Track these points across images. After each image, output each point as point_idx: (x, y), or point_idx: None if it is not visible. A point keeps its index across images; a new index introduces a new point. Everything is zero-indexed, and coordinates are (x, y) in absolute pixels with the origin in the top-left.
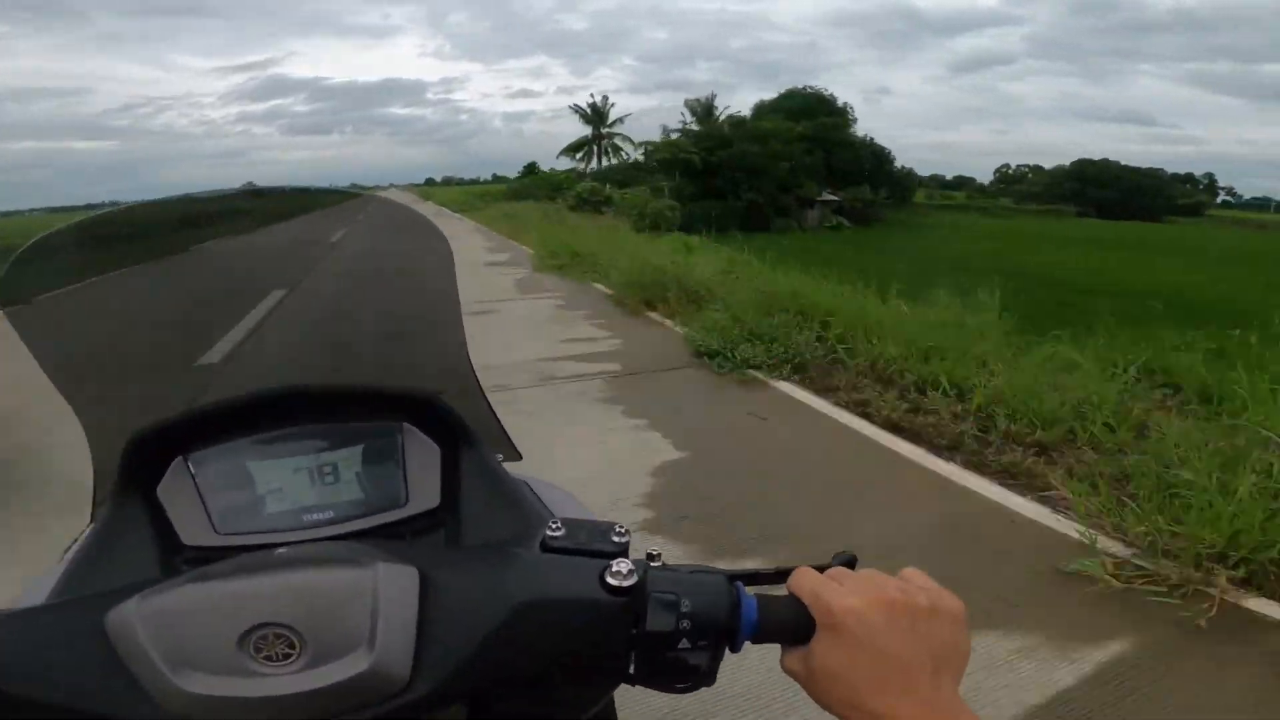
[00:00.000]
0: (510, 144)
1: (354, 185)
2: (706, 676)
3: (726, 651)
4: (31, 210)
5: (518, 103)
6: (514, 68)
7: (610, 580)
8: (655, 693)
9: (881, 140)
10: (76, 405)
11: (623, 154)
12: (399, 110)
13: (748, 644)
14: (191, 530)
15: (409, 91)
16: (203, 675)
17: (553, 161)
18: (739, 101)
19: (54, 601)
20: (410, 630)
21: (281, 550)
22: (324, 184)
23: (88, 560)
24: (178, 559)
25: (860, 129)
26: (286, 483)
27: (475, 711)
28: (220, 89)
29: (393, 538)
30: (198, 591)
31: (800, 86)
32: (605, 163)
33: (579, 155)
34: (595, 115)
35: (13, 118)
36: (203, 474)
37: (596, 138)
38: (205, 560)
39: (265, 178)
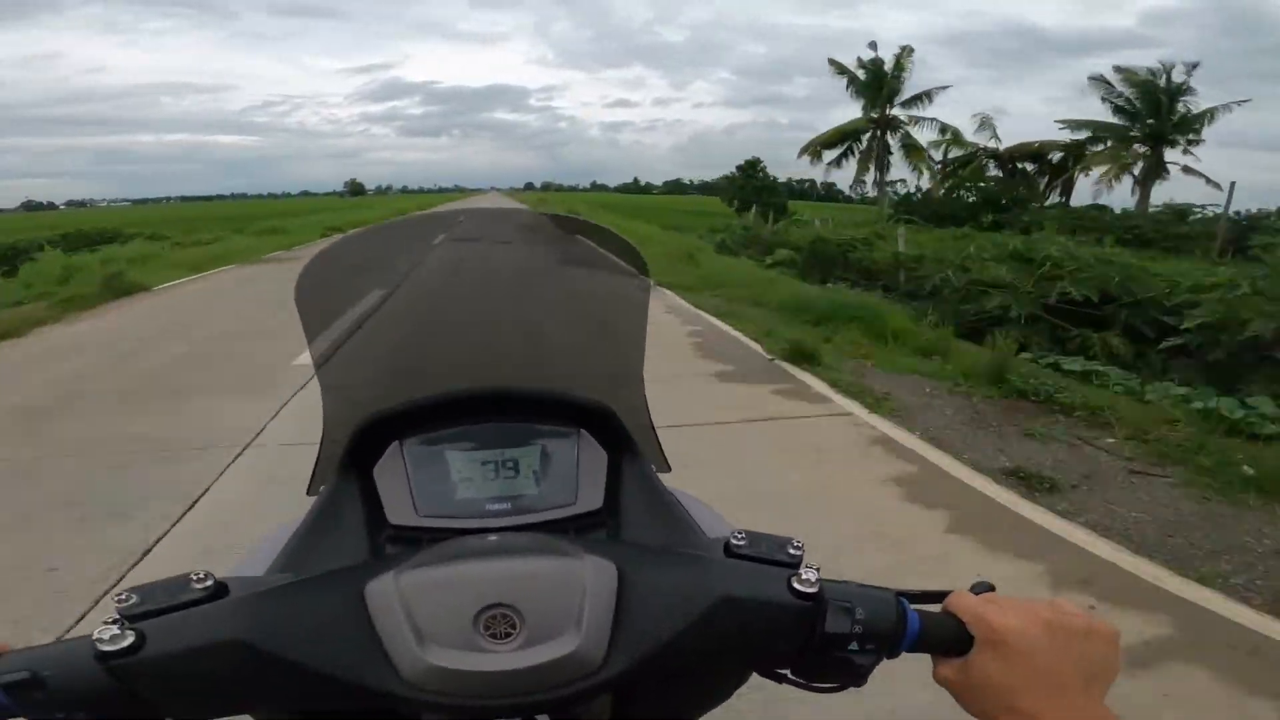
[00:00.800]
0: (605, 153)
1: (457, 186)
2: (860, 678)
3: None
4: (169, 199)
5: (615, 112)
6: (612, 77)
7: (797, 586)
8: None
9: None
10: (323, 386)
11: (925, 159)
12: (503, 115)
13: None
14: (397, 510)
15: (513, 97)
16: (442, 648)
17: (646, 173)
18: (838, 118)
19: (311, 575)
20: (609, 617)
21: (494, 538)
22: (432, 185)
23: (312, 530)
24: (382, 536)
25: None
26: (475, 473)
27: (619, 702)
28: (345, 89)
29: (559, 533)
30: (445, 570)
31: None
32: (885, 176)
33: (839, 153)
34: (874, 81)
35: (167, 111)
36: (412, 458)
37: (881, 125)
38: (407, 539)
39: (380, 177)
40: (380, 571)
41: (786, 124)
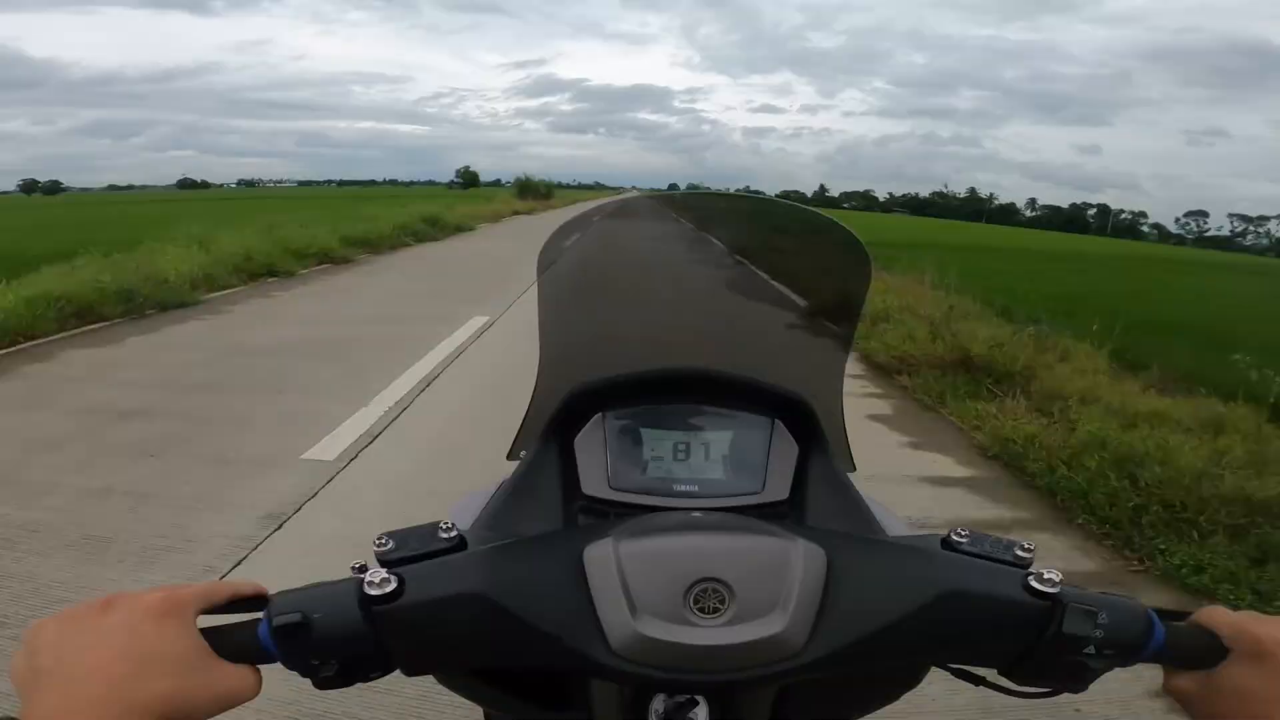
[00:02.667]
0: (747, 160)
1: (598, 184)
2: (1082, 683)
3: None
4: (372, 182)
5: (759, 118)
6: (758, 83)
7: (1036, 585)
8: None
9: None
10: (542, 357)
11: None
12: (647, 115)
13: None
14: (592, 480)
15: (657, 98)
16: (653, 619)
17: (784, 183)
18: (1009, 134)
19: (538, 534)
20: (815, 602)
21: (701, 514)
22: (578, 182)
23: (514, 493)
24: (575, 505)
25: (1176, 171)
26: (666, 452)
27: (783, 694)
28: (503, 84)
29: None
30: (663, 541)
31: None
32: None
33: None
34: None
35: (358, 100)
36: (612, 431)
37: None
38: (598, 510)
39: (530, 170)
40: (598, 536)
41: (947, 137)
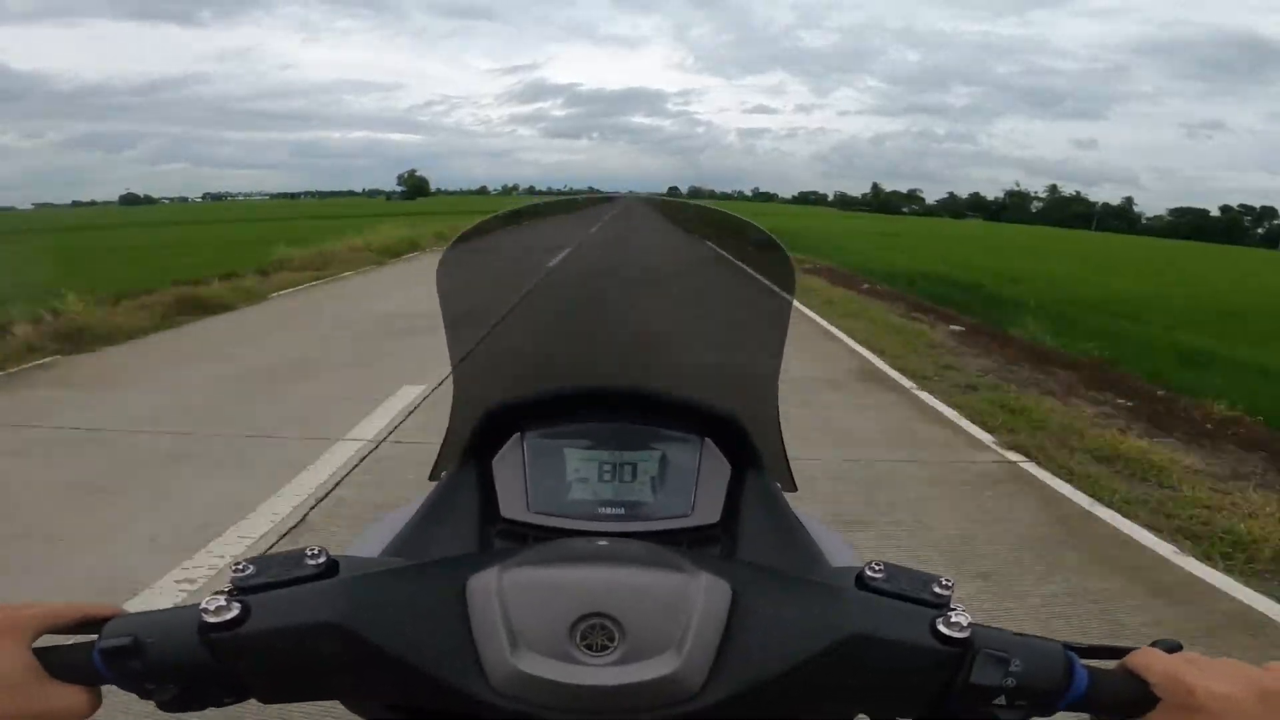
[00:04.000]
0: (741, 160)
1: (591, 189)
2: None
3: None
4: (351, 192)
5: (753, 119)
6: (752, 84)
7: (944, 629)
8: None
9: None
10: (455, 376)
11: None
12: (641, 119)
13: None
14: (510, 503)
15: (651, 101)
16: (536, 656)
17: (781, 184)
18: (1002, 129)
19: (418, 562)
20: (715, 642)
21: (604, 543)
22: (570, 187)
23: (426, 517)
24: (493, 529)
25: (1172, 164)
26: (591, 473)
27: None
28: (495, 90)
29: (671, 545)
30: (548, 572)
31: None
32: None
33: None
34: None
35: (350, 109)
36: (532, 452)
37: None
38: (517, 534)
39: (527, 178)
40: (484, 565)
41: (943, 134)
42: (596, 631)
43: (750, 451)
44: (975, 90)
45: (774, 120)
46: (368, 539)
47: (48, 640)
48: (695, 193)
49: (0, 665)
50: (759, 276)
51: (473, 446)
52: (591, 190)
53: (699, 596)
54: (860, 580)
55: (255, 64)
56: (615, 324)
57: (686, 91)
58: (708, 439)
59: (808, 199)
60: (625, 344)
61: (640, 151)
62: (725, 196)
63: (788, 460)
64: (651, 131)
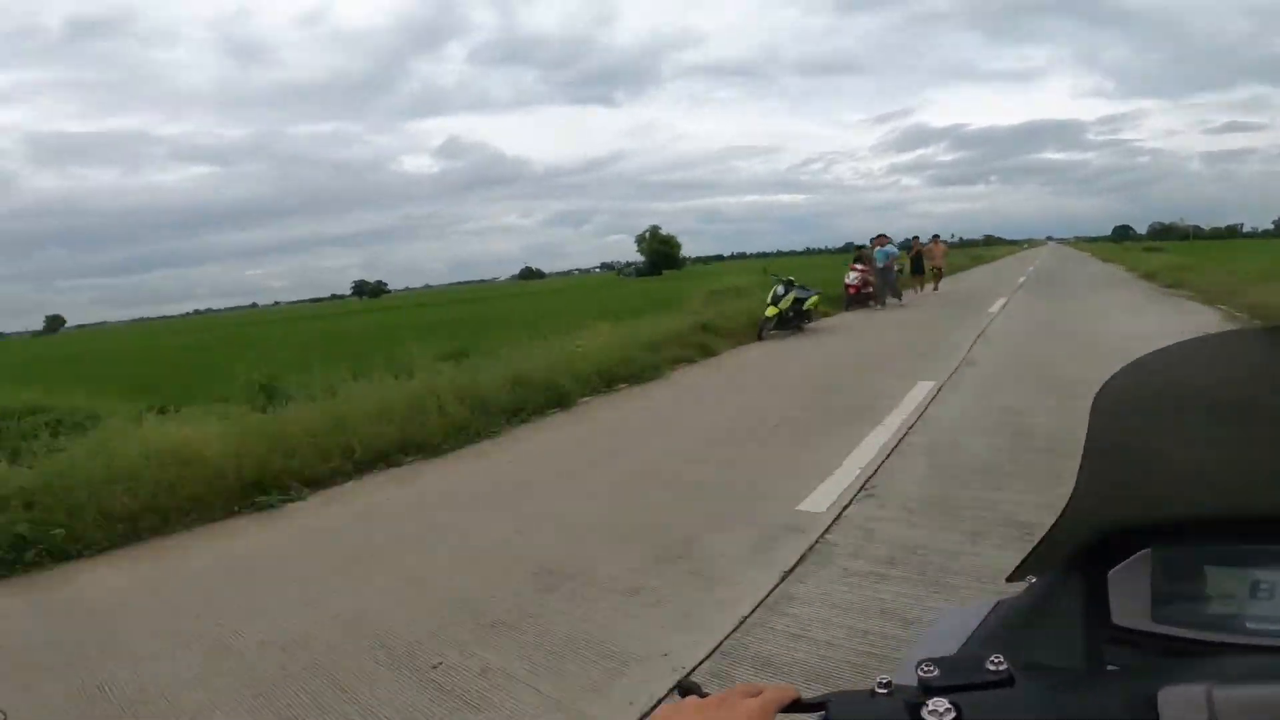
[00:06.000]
0: (1213, 190)
1: (987, 238)
2: None
3: None
4: (753, 254)
5: (1225, 139)
6: (1211, 102)
7: None
8: None
9: None
10: (1083, 478)
11: None
12: (1052, 155)
13: None
14: (1127, 611)
15: (1063, 134)
16: None
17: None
18: None
19: (1094, 670)
20: None
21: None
22: (972, 234)
23: (1028, 618)
24: (1100, 635)
25: None
26: (1238, 590)
27: None
28: (869, 141)
29: None
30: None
31: None
32: None
33: None
34: None
35: (737, 175)
36: (1159, 564)
37: None
38: (1131, 642)
39: (919, 229)
40: (1180, 678)
41: None
42: None
43: None
44: None
45: (1259, 138)
46: (933, 638)
47: None
48: (1163, 231)
49: None
50: None
51: (1081, 555)
52: (988, 239)
53: None
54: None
55: (655, 136)
56: None
57: (1112, 118)
58: None
59: None
60: None
61: (1057, 193)
62: (1214, 234)
63: None
64: (1071, 168)
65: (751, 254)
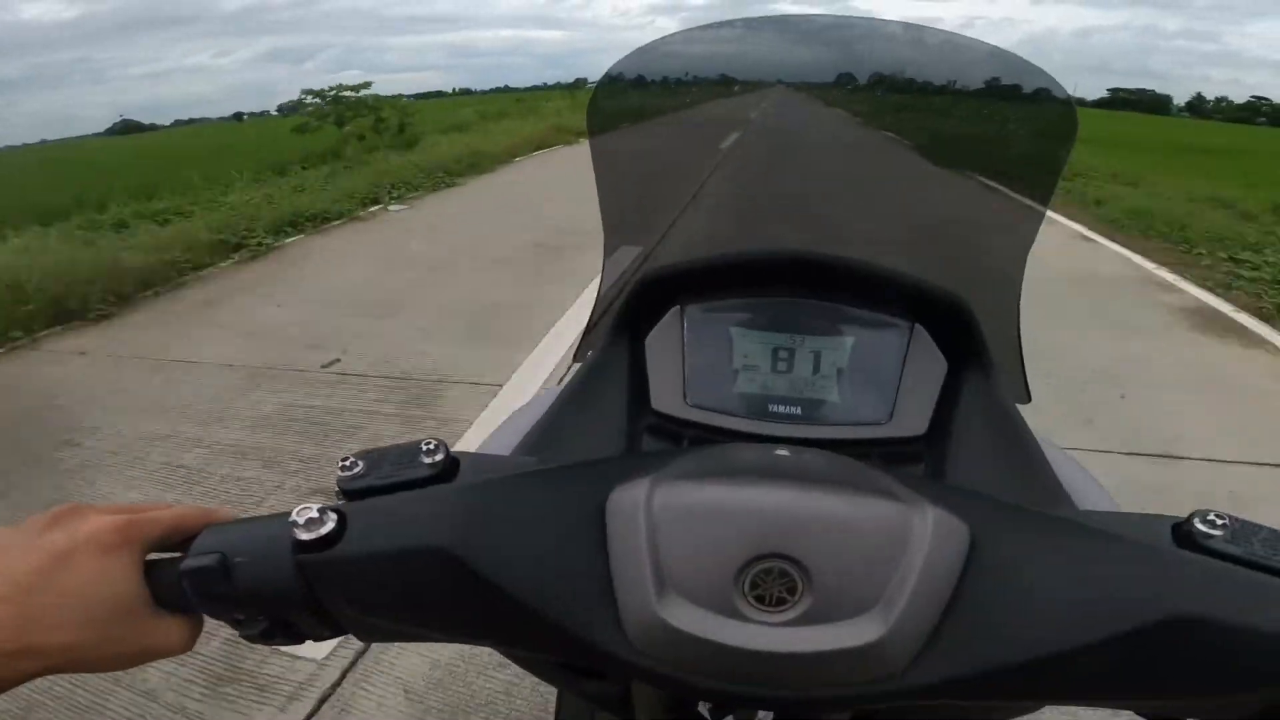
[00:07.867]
0: (909, 55)
1: (722, 74)
2: None
3: None
4: (497, 89)
5: (920, 7)
6: None
7: None
8: None
9: None
10: (606, 235)
11: None
12: (789, 6)
13: None
14: (664, 394)
15: None
16: (687, 605)
17: None
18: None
19: (548, 465)
20: (939, 604)
21: (784, 452)
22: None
23: (566, 407)
24: (642, 423)
25: None
26: (763, 360)
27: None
28: None
29: (859, 459)
30: (714, 492)
31: None
32: None
33: None
34: None
35: (494, 9)
36: (691, 330)
37: None
38: (669, 431)
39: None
40: (631, 476)
41: (1173, 30)
42: (772, 579)
43: (976, 347)
44: None
45: (946, 8)
46: (504, 433)
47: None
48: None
49: (115, 586)
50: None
51: (624, 322)
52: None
53: (922, 538)
54: (1180, 533)
55: None
56: (805, 178)
57: None
58: (919, 326)
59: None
60: (817, 202)
61: (792, 42)
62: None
63: (1023, 363)
64: (803, 22)
65: (515, 88)
